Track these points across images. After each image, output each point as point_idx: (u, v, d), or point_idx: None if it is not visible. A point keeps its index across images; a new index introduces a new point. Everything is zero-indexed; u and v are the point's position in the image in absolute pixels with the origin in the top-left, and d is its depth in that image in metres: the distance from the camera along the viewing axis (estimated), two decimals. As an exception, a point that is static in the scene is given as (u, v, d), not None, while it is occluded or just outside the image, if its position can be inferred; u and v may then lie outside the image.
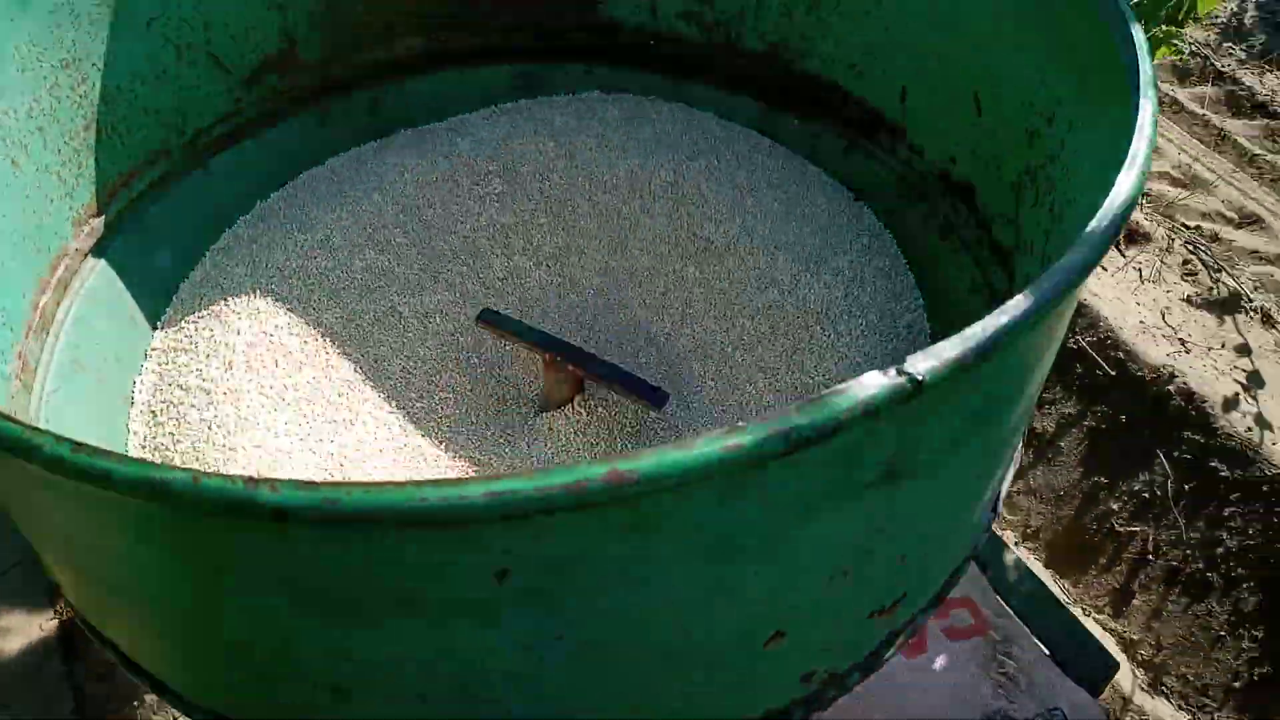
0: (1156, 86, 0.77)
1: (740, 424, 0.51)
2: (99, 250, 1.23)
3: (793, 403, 0.56)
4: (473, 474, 1.18)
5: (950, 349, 0.55)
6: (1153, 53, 1.53)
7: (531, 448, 1.22)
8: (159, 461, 1.16)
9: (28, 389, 1.10)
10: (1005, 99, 1.11)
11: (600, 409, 1.24)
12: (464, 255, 1.40)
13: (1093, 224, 0.63)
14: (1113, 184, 0.68)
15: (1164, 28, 1.59)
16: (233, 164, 1.38)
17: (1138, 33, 0.81)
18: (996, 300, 1.14)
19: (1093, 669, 1.43)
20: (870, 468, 0.60)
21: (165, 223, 1.31)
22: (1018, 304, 0.58)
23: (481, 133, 1.49)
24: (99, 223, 1.22)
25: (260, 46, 1.35)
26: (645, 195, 1.41)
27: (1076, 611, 1.68)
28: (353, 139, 1.49)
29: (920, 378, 0.54)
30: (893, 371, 0.54)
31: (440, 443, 1.22)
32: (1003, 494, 0.89)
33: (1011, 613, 1.45)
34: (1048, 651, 1.42)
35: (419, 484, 0.49)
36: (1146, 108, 0.72)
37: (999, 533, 1.78)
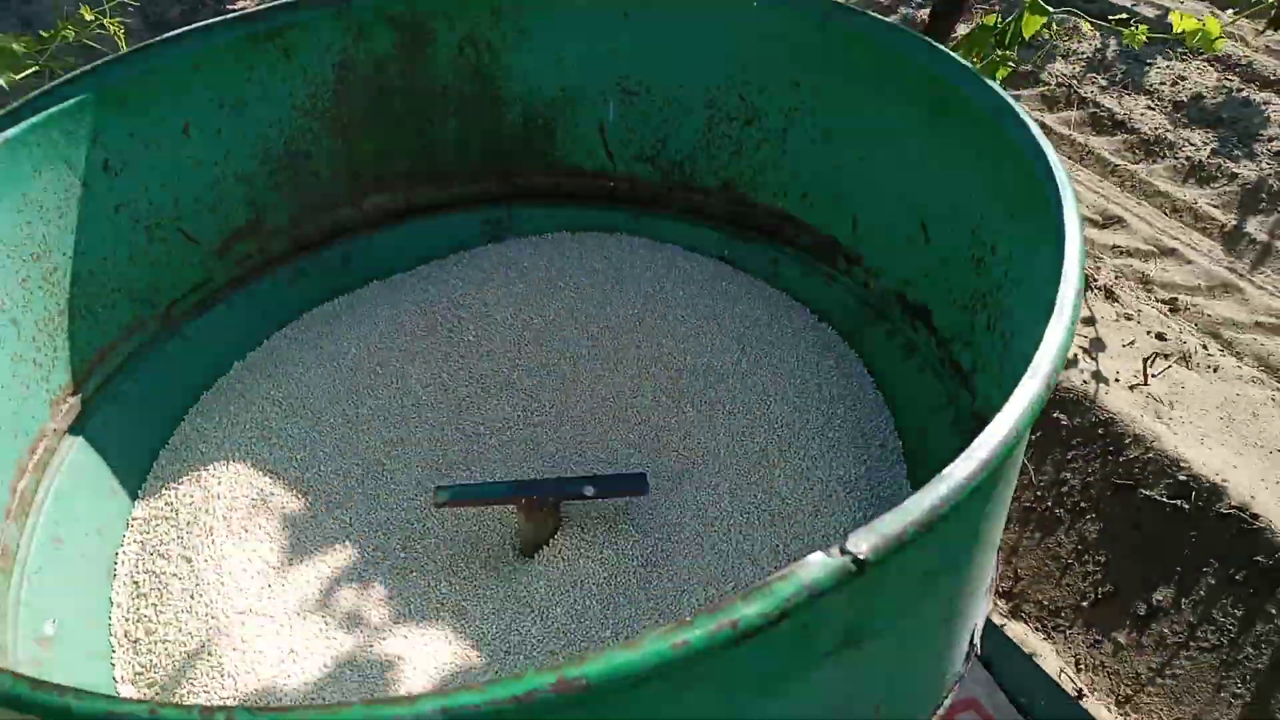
0: (1082, 227, 0.80)
1: (687, 618, 0.52)
2: (77, 427, 1.24)
3: (739, 590, 0.57)
4: (457, 627, 1.18)
5: (891, 525, 0.56)
6: (993, 75, 1.61)
7: (528, 590, 1.21)
8: (141, 634, 1.17)
9: (7, 575, 1.10)
10: (951, 229, 1.14)
11: (582, 541, 1.24)
12: (442, 403, 1.41)
13: (1025, 380, 0.65)
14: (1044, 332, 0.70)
15: (999, 52, 1.67)
16: (207, 329, 1.40)
17: (1061, 176, 0.84)
18: (961, 416, 1.16)
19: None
20: (826, 639, 0.61)
21: (143, 392, 1.33)
22: (957, 470, 0.60)
23: (452, 279, 1.53)
24: (76, 400, 1.24)
25: (229, 218, 1.38)
26: (615, 330, 1.44)
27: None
28: (325, 294, 1.52)
29: (863, 557, 0.55)
30: (835, 551, 0.55)
31: (427, 595, 1.22)
32: (980, 628, 0.89)
33: (1019, 712, 1.43)
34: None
35: (371, 704, 0.50)
36: (1072, 255, 0.75)
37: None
